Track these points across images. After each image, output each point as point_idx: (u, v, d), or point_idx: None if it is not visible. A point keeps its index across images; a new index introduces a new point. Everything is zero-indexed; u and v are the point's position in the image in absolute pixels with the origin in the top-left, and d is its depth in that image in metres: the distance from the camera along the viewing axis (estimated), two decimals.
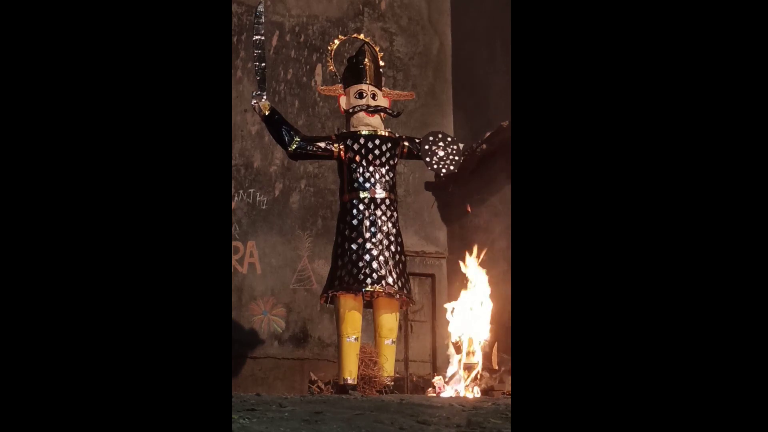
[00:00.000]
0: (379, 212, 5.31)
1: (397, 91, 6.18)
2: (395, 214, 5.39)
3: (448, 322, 5.47)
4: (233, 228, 7.68)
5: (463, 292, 5.51)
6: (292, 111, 7.94)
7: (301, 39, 8.20)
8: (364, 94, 5.54)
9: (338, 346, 5.31)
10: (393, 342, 5.36)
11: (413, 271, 7.32)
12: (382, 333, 5.32)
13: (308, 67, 8.16)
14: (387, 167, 5.42)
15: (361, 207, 5.31)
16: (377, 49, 5.89)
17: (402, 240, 5.41)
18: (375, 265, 5.18)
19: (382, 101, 5.60)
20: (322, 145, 5.51)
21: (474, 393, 5.11)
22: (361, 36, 6.20)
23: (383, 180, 5.38)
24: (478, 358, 5.23)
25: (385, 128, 5.58)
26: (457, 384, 5.18)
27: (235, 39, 7.89)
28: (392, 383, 5.33)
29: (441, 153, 5.55)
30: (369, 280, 5.15)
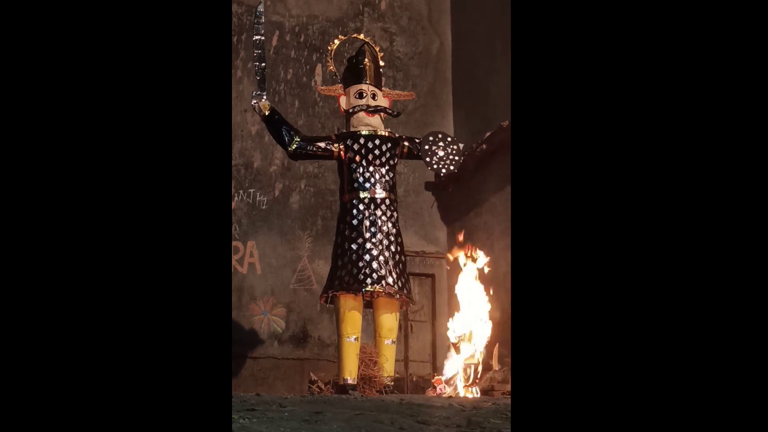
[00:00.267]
0: (379, 212, 5.31)
1: (397, 91, 6.18)
2: (395, 214, 5.39)
3: (448, 320, 5.47)
4: (233, 228, 7.68)
5: (461, 293, 5.51)
6: (292, 111, 7.94)
7: (301, 39, 8.20)
8: (364, 94, 5.54)
9: (338, 346, 5.32)
10: (393, 342, 5.37)
11: (413, 271, 7.32)
12: (382, 333, 5.32)
13: (308, 67, 8.16)
14: (387, 167, 5.42)
15: (361, 207, 5.31)
16: (377, 49, 5.89)
17: (402, 240, 5.41)
18: (375, 265, 5.18)
19: (382, 101, 5.60)
20: (322, 145, 5.51)
21: (474, 393, 5.11)
22: (361, 36, 6.20)
23: (383, 180, 5.38)
24: (478, 358, 5.24)
25: (385, 128, 5.58)
26: (457, 383, 5.18)
27: (235, 39, 7.89)
28: (392, 383, 5.33)
29: (441, 153, 5.55)
30: (369, 280, 5.15)
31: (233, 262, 7.64)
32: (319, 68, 8.14)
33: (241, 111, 7.79)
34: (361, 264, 5.18)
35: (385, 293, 5.19)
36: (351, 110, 5.55)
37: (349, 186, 5.39)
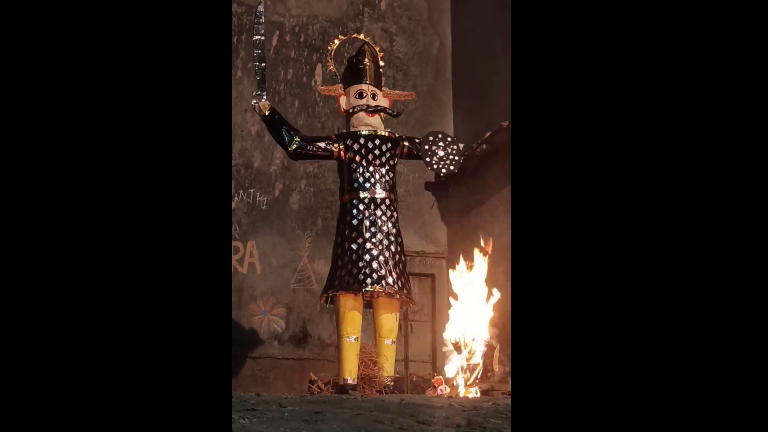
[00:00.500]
0: (379, 212, 5.31)
1: (397, 91, 6.18)
2: (395, 214, 5.39)
3: (448, 319, 5.46)
4: (233, 228, 7.68)
5: (460, 293, 5.51)
6: (292, 111, 7.94)
7: (301, 39, 8.20)
8: (364, 94, 5.54)
9: (338, 346, 5.31)
10: (393, 342, 5.36)
11: (413, 271, 7.31)
12: (382, 333, 5.31)
13: (308, 67, 8.16)
14: (387, 167, 5.42)
15: (361, 207, 5.31)
16: (377, 49, 5.88)
17: (402, 240, 5.41)
18: (375, 265, 5.18)
19: (382, 101, 5.60)
20: (322, 145, 5.51)
21: (474, 393, 5.11)
22: (361, 36, 6.19)
23: (383, 180, 5.38)
24: (478, 359, 5.23)
25: (385, 128, 5.57)
26: (457, 384, 5.18)
27: (235, 39, 7.89)
28: (392, 383, 5.32)
29: (441, 153, 5.55)
30: (369, 280, 5.15)
31: (233, 262, 7.63)
32: (319, 68, 8.14)
33: (241, 111, 7.78)
34: (361, 264, 5.18)
35: (385, 293, 5.19)
36: (351, 110, 5.55)
37: (349, 186, 5.39)
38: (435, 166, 5.56)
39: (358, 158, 5.39)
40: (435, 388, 5.21)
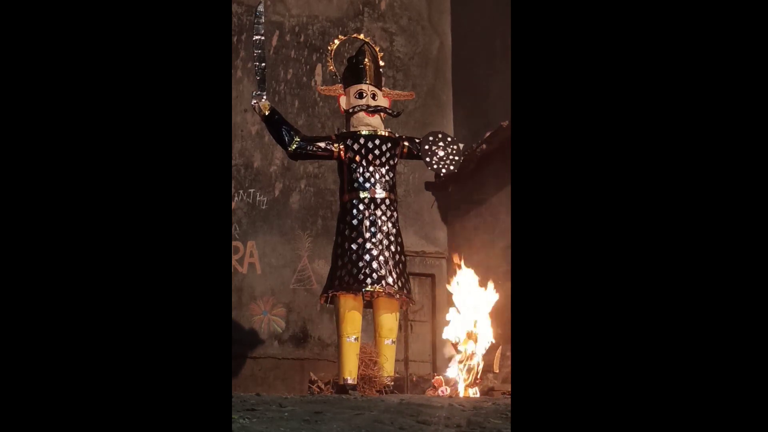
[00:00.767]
0: (379, 212, 5.31)
1: (397, 91, 6.18)
2: (395, 214, 5.39)
3: (447, 321, 5.46)
4: (233, 228, 7.68)
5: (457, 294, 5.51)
6: (292, 111, 7.95)
7: (301, 39, 8.20)
8: (364, 94, 5.54)
9: (338, 346, 5.31)
10: (393, 342, 5.36)
11: (413, 271, 7.32)
12: (382, 333, 5.31)
13: (308, 67, 8.16)
14: (387, 167, 5.42)
15: (361, 207, 5.31)
16: (377, 49, 5.88)
17: (402, 240, 5.41)
18: (375, 265, 5.18)
19: (382, 101, 5.60)
20: (322, 145, 5.50)
21: (474, 393, 5.11)
22: (361, 36, 6.19)
23: (383, 180, 5.38)
24: (478, 359, 5.23)
25: (385, 128, 5.58)
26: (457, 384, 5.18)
27: (235, 39, 7.90)
28: (392, 383, 5.32)
29: (441, 153, 5.55)
30: (369, 280, 5.15)
31: (233, 262, 7.64)
32: (319, 68, 8.15)
33: (241, 111, 7.79)
34: (361, 264, 5.18)
35: (385, 293, 5.19)
36: (351, 110, 5.55)
37: (349, 186, 5.39)
38: (435, 166, 5.56)
39: (358, 158, 5.39)
40: (435, 388, 5.21)
